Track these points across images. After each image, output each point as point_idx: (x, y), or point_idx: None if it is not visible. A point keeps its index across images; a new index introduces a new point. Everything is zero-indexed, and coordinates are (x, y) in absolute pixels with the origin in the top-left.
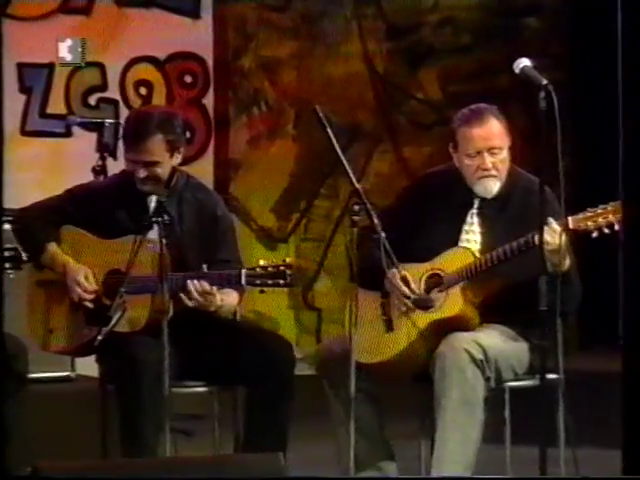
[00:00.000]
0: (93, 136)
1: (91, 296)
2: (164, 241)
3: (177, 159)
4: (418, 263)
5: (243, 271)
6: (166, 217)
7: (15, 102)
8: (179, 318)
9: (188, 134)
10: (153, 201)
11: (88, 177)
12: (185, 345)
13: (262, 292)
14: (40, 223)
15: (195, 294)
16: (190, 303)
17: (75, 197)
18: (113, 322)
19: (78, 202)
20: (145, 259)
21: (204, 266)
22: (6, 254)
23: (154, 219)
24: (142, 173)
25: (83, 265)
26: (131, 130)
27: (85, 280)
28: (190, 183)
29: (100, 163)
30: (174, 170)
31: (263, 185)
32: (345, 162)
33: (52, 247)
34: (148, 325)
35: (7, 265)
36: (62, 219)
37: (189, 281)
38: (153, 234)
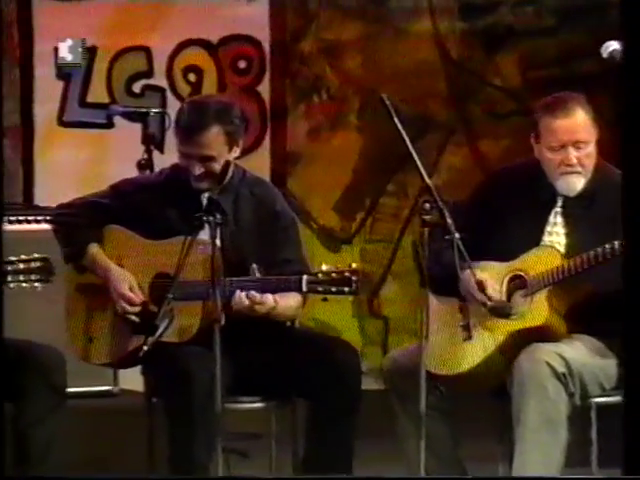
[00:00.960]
0: (138, 127)
1: (137, 309)
2: (217, 242)
3: (235, 153)
4: (498, 263)
5: (304, 277)
6: (218, 216)
7: (52, 89)
8: (233, 326)
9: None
10: (206, 198)
11: (132, 172)
12: (240, 356)
13: (325, 300)
14: (81, 221)
15: (243, 305)
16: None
17: (120, 193)
18: (160, 331)
19: (124, 199)
20: (196, 262)
21: (254, 267)
22: (33, 265)
23: (205, 218)
24: (198, 169)
25: (126, 271)
26: (185, 121)
27: (130, 291)
28: (247, 178)
29: (145, 157)
30: (228, 164)
31: (324, 181)
32: (415, 155)
33: (94, 249)
34: (199, 334)
35: (34, 277)
36: (106, 217)
37: (236, 293)
38: (205, 234)
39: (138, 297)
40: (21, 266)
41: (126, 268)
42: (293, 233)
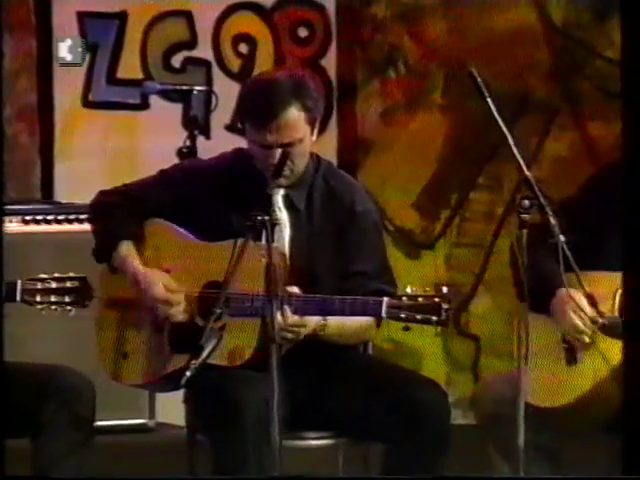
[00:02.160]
0: (178, 108)
1: (182, 308)
2: (286, 246)
3: (314, 135)
4: (611, 273)
5: (384, 300)
6: (275, 216)
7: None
8: (295, 349)
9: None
10: (280, 193)
11: (171, 162)
12: (302, 385)
13: (406, 330)
14: (120, 212)
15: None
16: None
17: (172, 181)
18: (206, 352)
19: (176, 188)
20: (257, 270)
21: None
22: (68, 285)
23: (259, 218)
24: (278, 159)
25: (159, 272)
26: (257, 105)
27: (166, 290)
28: (322, 167)
29: (188, 144)
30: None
31: (402, 173)
32: (511, 142)
33: (125, 247)
34: (254, 357)
35: (68, 299)
36: (152, 209)
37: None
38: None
39: (177, 295)
40: (53, 285)
41: (171, 273)
42: (373, 240)
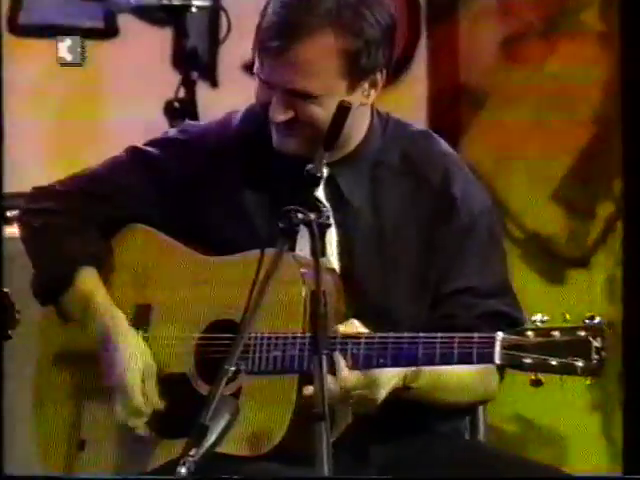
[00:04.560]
0: (166, 36)
1: (143, 420)
2: (333, 260)
3: (365, 93)
4: None
5: (498, 337)
6: (325, 212)
7: None
8: (357, 426)
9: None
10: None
11: (158, 123)
12: None
13: (536, 384)
14: (71, 222)
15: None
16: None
17: (152, 161)
18: (214, 437)
19: (159, 172)
20: (291, 299)
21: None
22: None
23: (300, 215)
24: (281, 113)
25: (141, 335)
26: (271, 20)
27: (139, 391)
28: (396, 134)
29: (182, 94)
30: (345, 109)
31: (535, 142)
32: None
33: (86, 277)
34: (289, 441)
35: None
36: (120, 211)
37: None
38: (306, 246)
39: (151, 403)
40: None
41: (155, 310)
42: (485, 240)
